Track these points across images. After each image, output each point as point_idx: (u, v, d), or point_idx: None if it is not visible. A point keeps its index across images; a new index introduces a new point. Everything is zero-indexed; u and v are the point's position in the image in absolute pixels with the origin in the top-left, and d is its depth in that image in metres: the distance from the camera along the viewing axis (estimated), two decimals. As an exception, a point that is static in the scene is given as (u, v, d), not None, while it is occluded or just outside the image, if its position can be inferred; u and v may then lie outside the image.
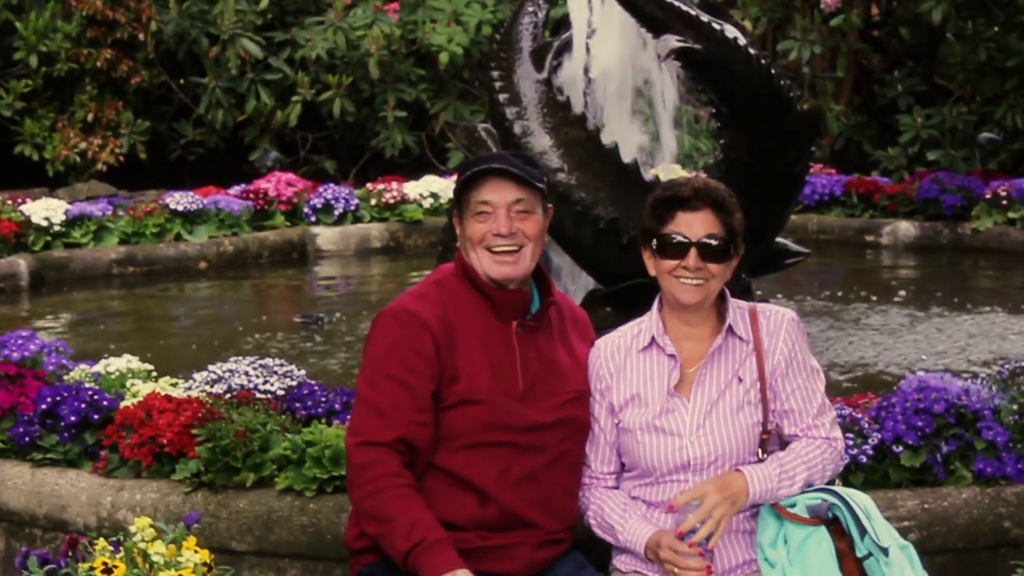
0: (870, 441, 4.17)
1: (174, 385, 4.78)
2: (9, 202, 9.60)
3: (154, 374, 5.00)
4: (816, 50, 11.75)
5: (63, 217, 9.46)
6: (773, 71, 5.39)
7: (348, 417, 3.86)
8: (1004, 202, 9.87)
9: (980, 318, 7.40)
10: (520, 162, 3.54)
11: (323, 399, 4.50)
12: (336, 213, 10.43)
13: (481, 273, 3.53)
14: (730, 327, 3.54)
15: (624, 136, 6.12)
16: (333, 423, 4.37)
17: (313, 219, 10.41)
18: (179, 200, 9.88)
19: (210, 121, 13.35)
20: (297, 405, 4.49)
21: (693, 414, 3.50)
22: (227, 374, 4.70)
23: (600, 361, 3.61)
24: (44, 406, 4.52)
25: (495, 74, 6.08)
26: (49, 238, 9.40)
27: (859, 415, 4.27)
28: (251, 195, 10.35)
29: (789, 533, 3.42)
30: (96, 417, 4.51)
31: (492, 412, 3.45)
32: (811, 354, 3.60)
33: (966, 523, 4.12)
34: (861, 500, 3.42)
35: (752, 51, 5.35)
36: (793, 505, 3.44)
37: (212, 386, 4.64)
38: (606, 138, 5.86)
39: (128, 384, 4.79)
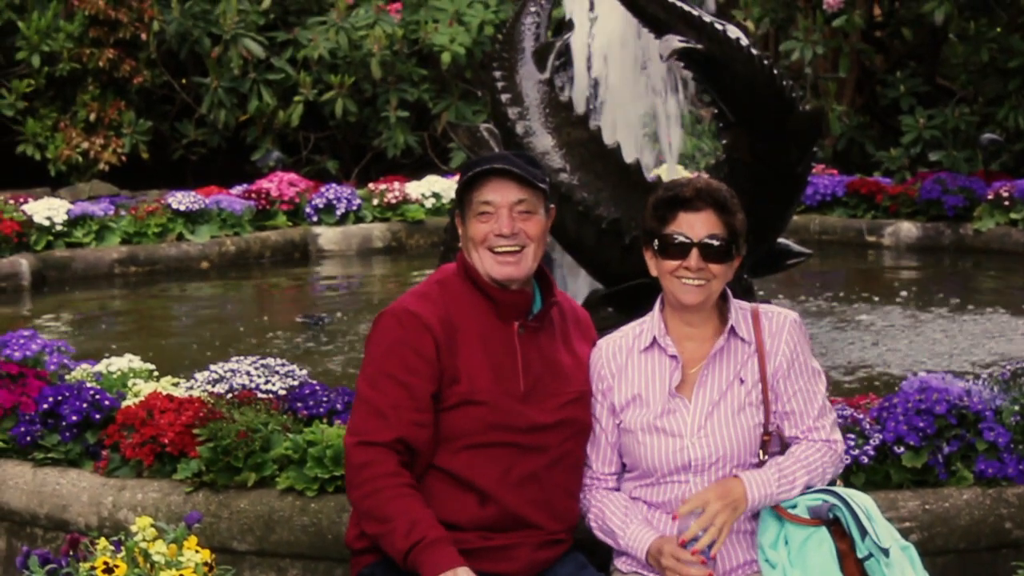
0: (871, 442, 4.17)
1: (175, 385, 4.78)
2: (11, 202, 9.60)
3: (156, 374, 5.00)
4: (818, 51, 11.75)
5: (65, 217, 9.46)
6: (775, 71, 5.39)
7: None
8: (1006, 203, 9.86)
9: (982, 319, 7.39)
10: (522, 162, 3.54)
11: (324, 399, 4.50)
12: (338, 213, 10.43)
13: (483, 273, 3.53)
14: (732, 328, 3.54)
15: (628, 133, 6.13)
16: (334, 423, 4.36)
17: (315, 219, 10.41)
18: (181, 200, 9.89)
19: (212, 121, 13.35)
20: (298, 405, 4.49)
21: (694, 415, 3.49)
22: (229, 374, 4.70)
23: (601, 361, 3.61)
24: (46, 406, 4.52)
25: (497, 74, 6.08)
26: (51, 238, 9.40)
27: (860, 416, 4.27)
28: (253, 195, 10.35)
29: (790, 534, 3.42)
30: (97, 417, 4.51)
31: (494, 413, 3.45)
32: (813, 356, 3.60)
33: (967, 524, 4.12)
34: (862, 501, 3.41)
35: (754, 51, 5.35)
36: (794, 506, 3.44)
37: (214, 386, 4.64)
38: (607, 138, 5.87)
39: (130, 384, 4.78)
